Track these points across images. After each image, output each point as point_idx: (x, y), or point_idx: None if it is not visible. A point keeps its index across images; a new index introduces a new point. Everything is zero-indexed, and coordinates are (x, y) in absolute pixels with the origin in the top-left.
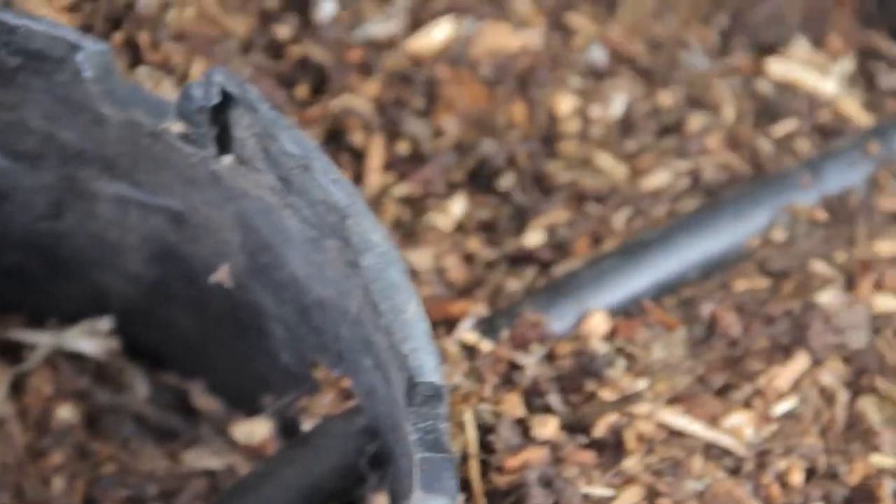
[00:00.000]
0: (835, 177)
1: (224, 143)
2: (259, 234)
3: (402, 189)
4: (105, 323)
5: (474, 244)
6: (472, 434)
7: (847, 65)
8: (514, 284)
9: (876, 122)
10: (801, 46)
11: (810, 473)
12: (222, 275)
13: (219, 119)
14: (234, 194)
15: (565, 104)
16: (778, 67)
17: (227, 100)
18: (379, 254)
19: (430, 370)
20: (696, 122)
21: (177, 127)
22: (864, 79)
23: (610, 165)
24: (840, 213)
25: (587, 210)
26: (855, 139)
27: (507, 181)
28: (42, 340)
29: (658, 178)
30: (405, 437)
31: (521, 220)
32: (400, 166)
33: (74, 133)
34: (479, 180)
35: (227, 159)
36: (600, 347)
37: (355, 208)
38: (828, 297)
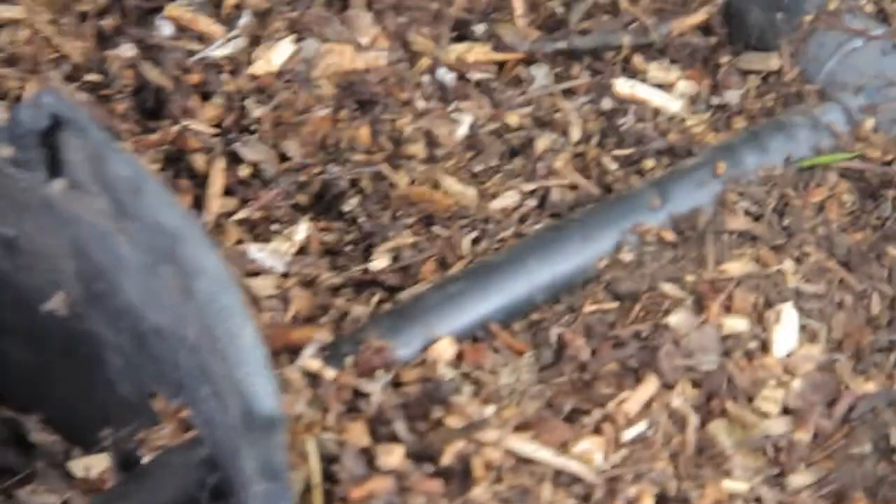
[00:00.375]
0: (682, 197)
1: (55, 166)
2: (93, 260)
3: (243, 214)
4: None
5: (318, 269)
6: (315, 464)
7: (693, 83)
8: (360, 310)
9: (722, 140)
10: (648, 66)
11: (661, 499)
12: (57, 303)
13: (49, 142)
14: (67, 220)
15: (410, 126)
16: (624, 86)
17: (57, 122)
18: (212, 279)
19: (266, 397)
20: (543, 142)
21: (6, 151)
22: (712, 96)
23: (457, 187)
24: (688, 233)
25: (434, 232)
26: (702, 158)
27: (351, 205)
28: None
29: (505, 200)
30: (244, 467)
31: (367, 243)
32: (241, 190)
33: None
34: (324, 204)
35: (59, 183)
36: (447, 373)
37: (188, 232)
38: (677, 319)
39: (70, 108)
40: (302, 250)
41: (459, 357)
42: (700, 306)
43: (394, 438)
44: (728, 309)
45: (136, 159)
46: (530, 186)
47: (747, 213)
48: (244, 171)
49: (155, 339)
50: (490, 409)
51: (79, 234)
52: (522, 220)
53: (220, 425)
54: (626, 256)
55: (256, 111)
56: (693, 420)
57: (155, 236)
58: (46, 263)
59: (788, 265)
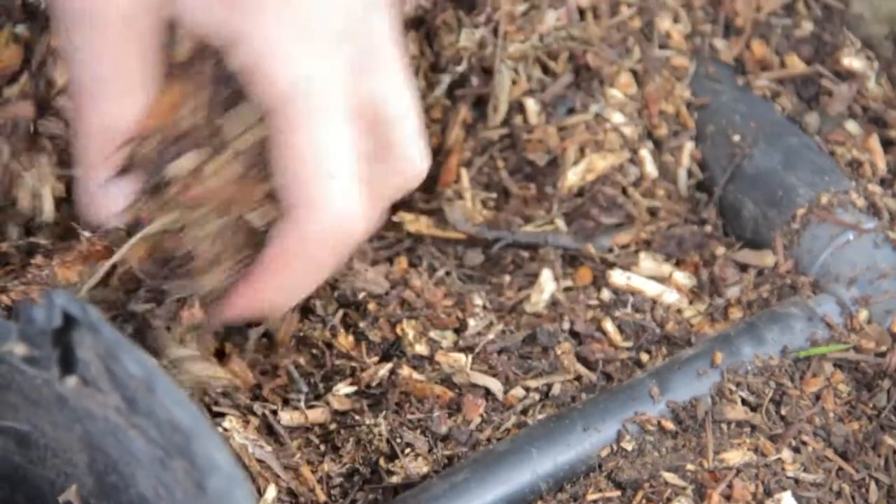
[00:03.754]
0: (681, 387)
1: (67, 364)
2: (106, 454)
3: None
4: None
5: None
6: None
7: (691, 274)
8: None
9: (720, 331)
10: (645, 258)
11: None
12: (70, 496)
13: (61, 340)
14: (79, 415)
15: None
16: (620, 278)
17: (68, 321)
18: (225, 476)
19: None
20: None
21: (19, 349)
22: (709, 288)
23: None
24: (688, 422)
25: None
26: (700, 349)
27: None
28: None
29: (512, 393)
30: None
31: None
32: None
33: None
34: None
35: (72, 380)
36: None
37: (200, 430)
38: None
39: (82, 308)
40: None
41: None
42: (701, 495)
43: None
44: (728, 498)
45: (148, 358)
46: (535, 383)
47: (745, 402)
48: None
49: None
50: None
51: (91, 429)
52: (525, 411)
53: None
54: (628, 445)
55: None
56: None
57: (167, 432)
58: (59, 457)
59: (787, 454)
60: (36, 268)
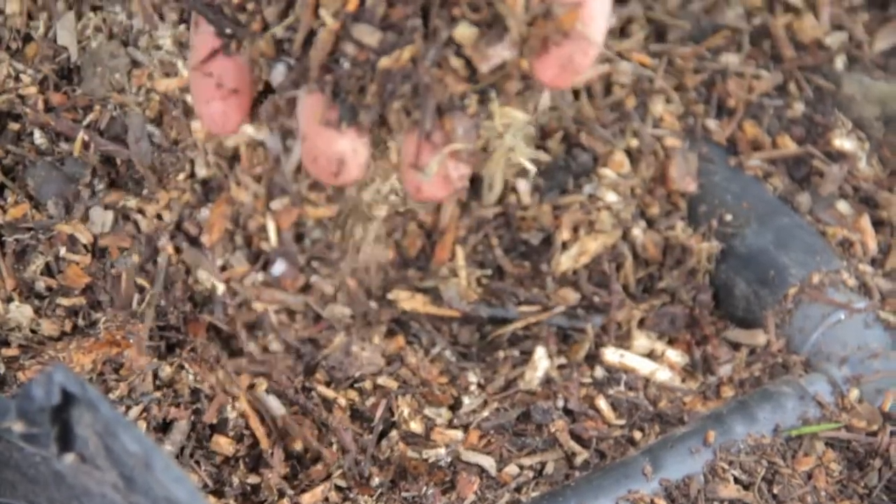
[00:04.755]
0: (674, 465)
1: (66, 441)
2: None
3: None
4: None
5: None
6: None
7: (684, 352)
8: None
9: (712, 409)
10: (638, 336)
11: None
12: None
13: (60, 417)
14: (77, 492)
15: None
16: (613, 356)
17: (67, 399)
18: None
19: None
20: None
21: (17, 427)
22: (701, 366)
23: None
24: (681, 501)
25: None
26: (693, 427)
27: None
28: None
29: (506, 470)
30: None
31: None
32: None
33: None
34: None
35: (69, 458)
36: None
37: None
38: None
39: (80, 385)
40: None
41: None
42: None
43: None
44: None
45: (145, 436)
46: (529, 461)
47: (738, 481)
48: None
49: None
50: None
51: None
52: (519, 489)
53: None
54: None
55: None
56: None
57: None
58: None
59: None
60: (54, 349)
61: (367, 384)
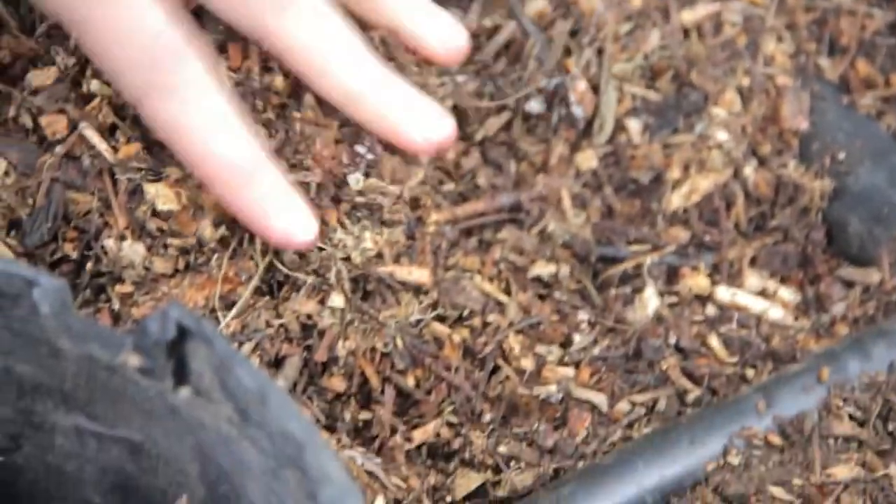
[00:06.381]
0: (788, 402)
1: (181, 375)
2: (218, 464)
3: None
4: None
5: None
6: None
7: (796, 291)
8: None
9: (826, 347)
10: (750, 275)
11: None
12: None
13: (175, 352)
14: (192, 425)
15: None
16: (725, 294)
17: (183, 333)
18: (337, 486)
19: None
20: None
21: (133, 361)
22: (814, 305)
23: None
24: (794, 437)
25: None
26: (806, 365)
27: None
28: None
29: (618, 407)
30: None
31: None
32: None
33: (31, 366)
34: None
35: (185, 391)
36: None
37: (312, 440)
38: None
39: (195, 321)
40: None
41: None
42: None
43: None
44: None
45: (261, 370)
46: (641, 398)
47: (852, 418)
48: None
49: None
50: None
51: (203, 440)
52: (631, 425)
53: None
54: (734, 460)
55: None
56: None
57: (279, 443)
58: (171, 467)
59: (895, 470)
60: (167, 286)
61: (477, 321)
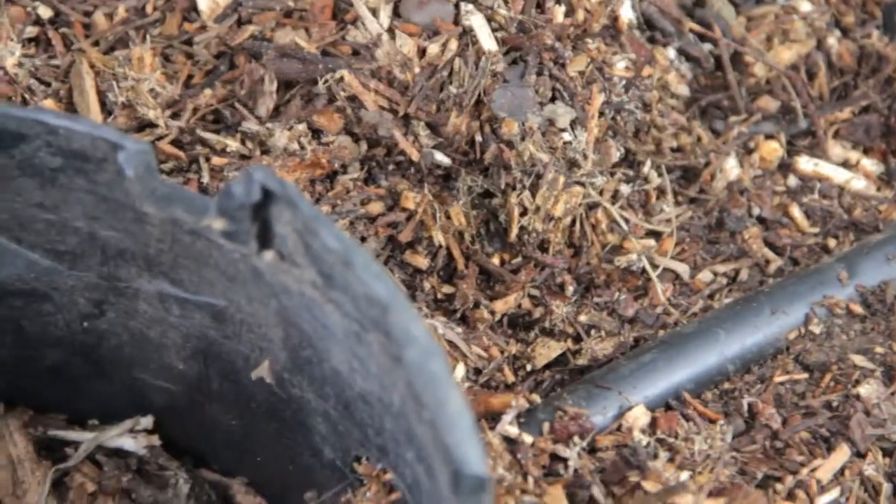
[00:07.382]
0: (870, 271)
1: (265, 239)
2: (300, 329)
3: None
4: (146, 421)
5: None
6: None
7: (879, 161)
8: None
9: None
10: (833, 145)
11: None
12: (264, 370)
13: (259, 215)
14: (275, 290)
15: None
16: (807, 164)
17: (267, 196)
18: (421, 347)
19: (474, 462)
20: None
21: (218, 224)
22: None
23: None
24: (876, 306)
25: None
26: (889, 234)
27: None
28: (84, 438)
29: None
30: None
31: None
32: None
33: (116, 232)
34: None
35: (269, 255)
36: (642, 440)
37: (397, 302)
38: (867, 390)
39: (280, 184)
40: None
41: (653, 424)
42: (890, 377)
43: (592, 502)
44: None
45: (345, 232)
46: (723, 268)
47: None
48: None
49: (360, 404)
50: (685, 475)
51: (286, 304)
52: (712, 295)
53: (425, 489)
54: (816, 329)
55: None
56: (886, 488)
57: (363, 306)
58: (254, 332)
59: None
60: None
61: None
